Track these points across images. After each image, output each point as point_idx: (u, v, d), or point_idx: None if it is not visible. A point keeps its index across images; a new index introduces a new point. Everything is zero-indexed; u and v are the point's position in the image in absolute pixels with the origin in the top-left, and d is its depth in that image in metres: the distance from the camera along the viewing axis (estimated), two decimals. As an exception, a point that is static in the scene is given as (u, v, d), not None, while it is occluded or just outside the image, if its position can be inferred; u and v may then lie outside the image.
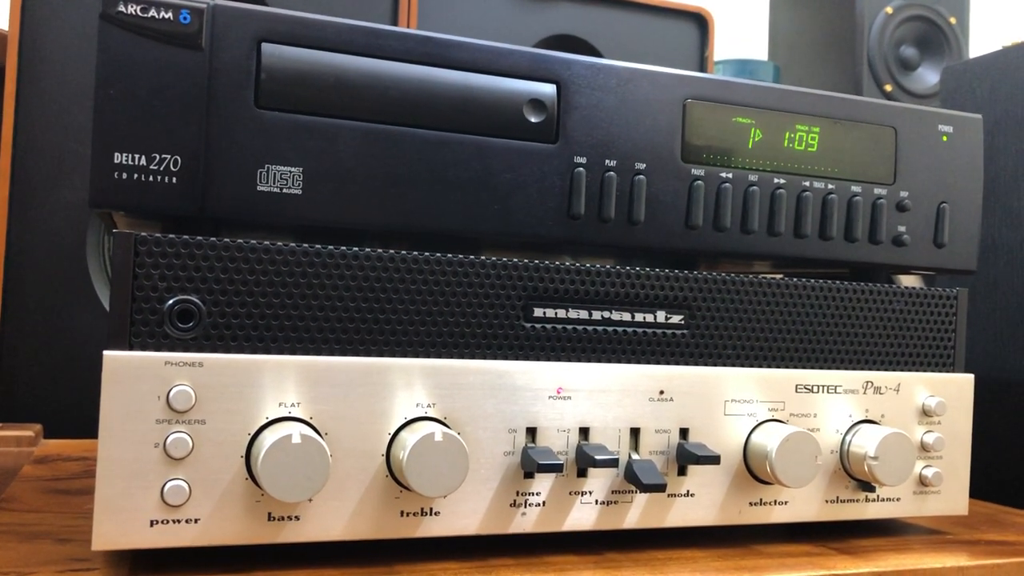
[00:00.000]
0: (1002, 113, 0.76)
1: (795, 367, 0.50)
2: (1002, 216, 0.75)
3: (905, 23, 1.26)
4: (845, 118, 0.52)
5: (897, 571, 0.46)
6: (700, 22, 1.10)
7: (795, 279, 0.50)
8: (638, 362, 0.47)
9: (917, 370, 0.53)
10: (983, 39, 1.38)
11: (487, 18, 1.02)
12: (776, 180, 0.50)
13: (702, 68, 1.09)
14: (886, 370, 0.52)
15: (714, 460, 0.45)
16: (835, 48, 1.32)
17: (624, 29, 1.08)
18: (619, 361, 0.46)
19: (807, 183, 0.50)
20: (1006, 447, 0.76)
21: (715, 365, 0.48)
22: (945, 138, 0.54)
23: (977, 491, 0.76)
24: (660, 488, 0.44)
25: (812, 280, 0.50)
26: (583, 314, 0.46)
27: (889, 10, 1.26)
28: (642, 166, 0.47)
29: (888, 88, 1.25)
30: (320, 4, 0.94)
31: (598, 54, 1.06)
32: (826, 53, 1.33)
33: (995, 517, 0.60)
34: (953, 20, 1.28)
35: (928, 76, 1.28)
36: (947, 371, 0.53)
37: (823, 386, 0.50)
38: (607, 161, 0.46)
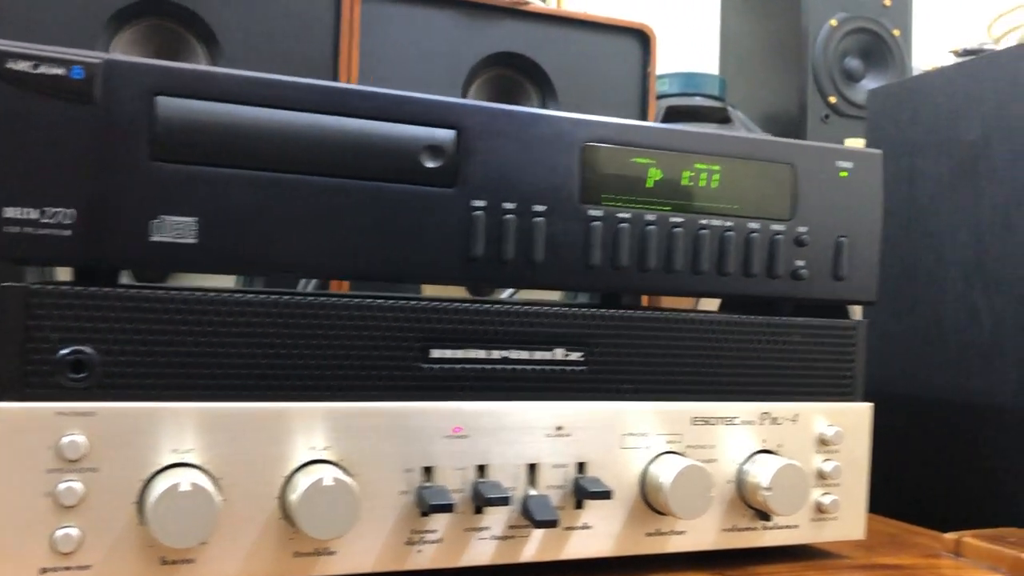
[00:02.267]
0: (922, 137, 0.78)
1: (694, 400, 0.51)
2: (921, 239, 0.77)
3: (849, 35, 1.28)
4: (744, 156, 0.53)
5: None
6: (642, 39, 1.12)
7: (690, 313, 0.51)
8: (537, 399, 0.48)
9: (817, 400, 0.54)
10: (927, 51, 1.41)
11: (429, 37, 1.02)
12: (673, 219, 0.51)
13: (644, 84, 1.11)
14: (786, 400, 0.54)
15: (605, 495, 0.47)
16: (782, 60, 1.33)
17: (568, 46, 1.09)
18: (518, 399, 0.47)
19: (704, 221, 0.52)
20: (921, 465, 0.78)
21: (613, 400, 0.50)
22: (844, 174, 0.55)
23: (890, 509, 0.78)
24: (551, 524, 0.45)
25: (709, 314, 0.52)
26: (481, 354, 0.47)
27: (834, 22, 1.27)
28: (541, 208, 0.48)
29: (832, 100, 1.27)
30: (261, 28, 0.94)
31: (542, 71, 1.07)
32: (773, 65, 1.35)
33: (899, 538, 0.62)
34: (897, 32, 1.30)
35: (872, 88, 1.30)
36: (846, 400, 0.55)
37: (720, 418, 0.51)
38: (506, 204, 0.48)
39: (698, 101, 1.25)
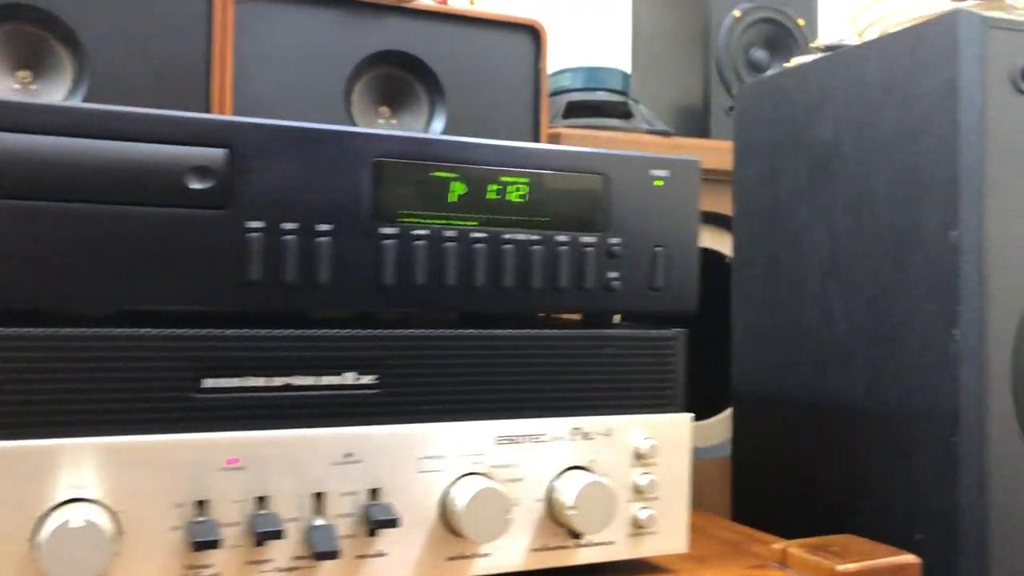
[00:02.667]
0: (783, 135, 0.77)
1: (499, 418, 0.50)
2: (783, 238, 0.77)
3: (754, 26, 1.27)
4: (553, 168, 0.52)
5: None
6: (533, 35, 1.10)
7: (491, 330, 0.50)
8: (326, 425, 0.47)
9: (634, 412, 0.54)
10: (833, 40, 1.40)
11: (309, 37, 1.00)
12: (474, 234, 0.50)
13: (536, 80, 1.09)
14: (600, 414, 0.53)
15: (391, 523, 0.46)
16: (687, 52, 1.32)
17: (457, 43, 1.07)
18: (303, 426, 0.46)
19: (508, 235, 0.51)
20: (785, 467, 0.77)
21: (411, 423, 0.48)
22: (659, 183, 0.54)
23: (745, 515, 0.78)
24: (331, 555, 0.44)
25: (512, 330, 0.51)
26: (260, 381, 0.45)
27: (737, 13, 1.26)
28: (327, 227, 0.47)
29: (736, 92, 1.26)
30: (128, 30, 0.92)
31: (430, 70, 1.05)
32: (680, 57, 1.34)
33: (740, 547, 0.61)
34: (802, 22, 1.29)
35: (781, 77, 1.29)
36: (666, 412, 0.54)
37: (526, 436, 0.50)
38: (286, 224, 0.46)
39: (600, 96, 1.23)
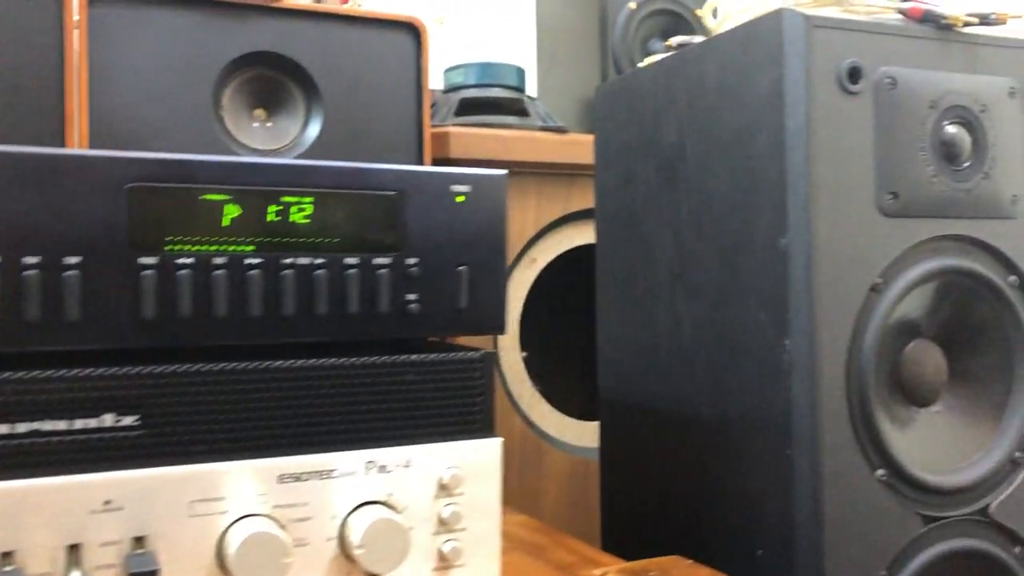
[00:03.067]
0: (635, 138, 0.75)
1: (282, 455, 0.47)
2: (637, 243, 0.75)
3: (650, 17, 1.25)
4: (340, 186, 0.49)
5: None
6: (414, 32, 1.07)
7: (269, 362, 0.47)
8: (82, 472, 0.43)
9: (438, 441, 0.51)
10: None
11: (171, 40, 0.96)
12: (248, 260, 0.47)
13: (418, 79, 1.06)
14: (399, 445, 0.50)
15: (150, 574, 0.43)
16: (588, 44, 1.30)
17: (332, 43, 1.03)
18: (53, 474, 0.43)
19: (288, 260, 0.48)
20: (640, 476, 0.76)
21: (180, 464, 0.45)
22: (461, 198, 0.52)
23: (612, 521, 0.76)
24: (76, 614, 0.41)
25: (294, 361, 0.48)
26: (3, 429, 0.42)
27: (633, 5, 1.24)
28: (74, 261, 0.44)
29: (634, 85, 1.24)
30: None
31: (304, 71, 1.01)
32: (579, 50, 1.31)
33: (570, 569, 0.59)
34: (699, 12, 1.27)
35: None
36: (474, 437, 0.52)
37: (313, 472, 0.48)
38: (27, 259, 0.43)
39: (495, 92, 1.21)
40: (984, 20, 0.62)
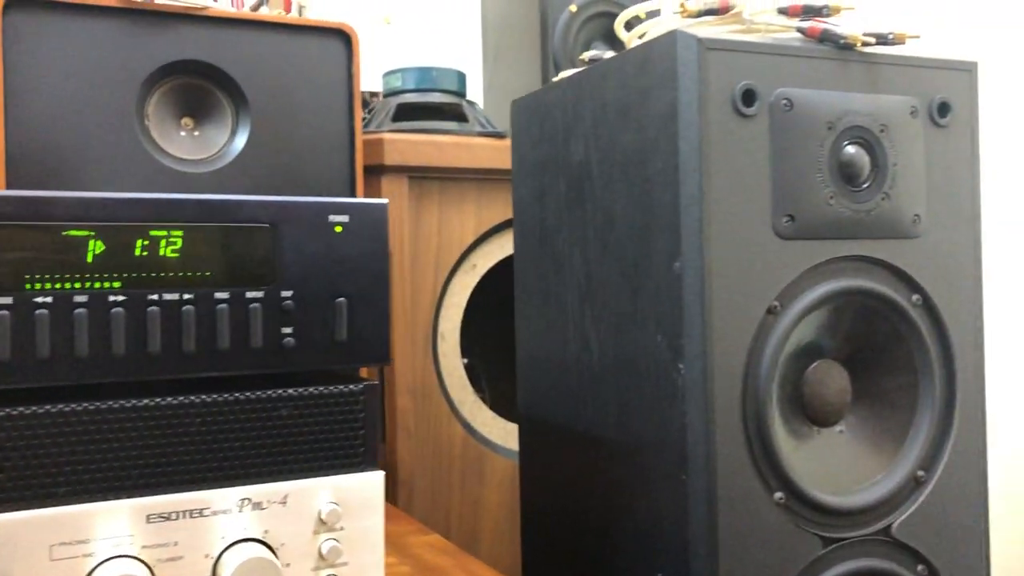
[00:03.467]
0: (547, 154, 0.74)
1: (150, 494, 0.47)
2: (550, 262, 0.74)
3: (591, 20, 1.24)
4: (211, 220, 0.49)
5: None
6: (344, 39, 1.06)
7: (133, 401, 0.47)
8: (-64, 517, 0.43)
9: (317, 475, 0.51)
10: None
11: (95, 46, 0.95)
12: (112, 297, 0.46)
13: (350, 86, 1.05)
14: (275, 481, 0.49)
15: (1, 624, 0.42)
16: (527, 48, 1.29)
17: (260, 51, 1.02)
18: (-96, 521, 0.42)
19: (154, 295, 0.47)
20: (555, 495, 0.75)
21: (40, 507, 0.45)
22: (339, 228, 0.51)
23: (531, 536, 0.75)
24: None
25: (160, 399, 0.47)
26: None
27: (573, 8, 1.23)
28: (-76, 303, 0.43)
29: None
30: None
31: (231, 79, 1.00)
32: (521, 54, 1.30)
33: (466, 595, 0.59)
34: (643, 16, 1.26)
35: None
36: (355, 471, 0.51)
37: (183, 511, 0.47)
38: None
39: (434, 97, 1.20)
40: (882, 40, 0.61)
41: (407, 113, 1.17)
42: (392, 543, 0.69)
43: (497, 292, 1.19)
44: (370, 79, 1.41)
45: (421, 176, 1.10)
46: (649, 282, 0.61)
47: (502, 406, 1.20)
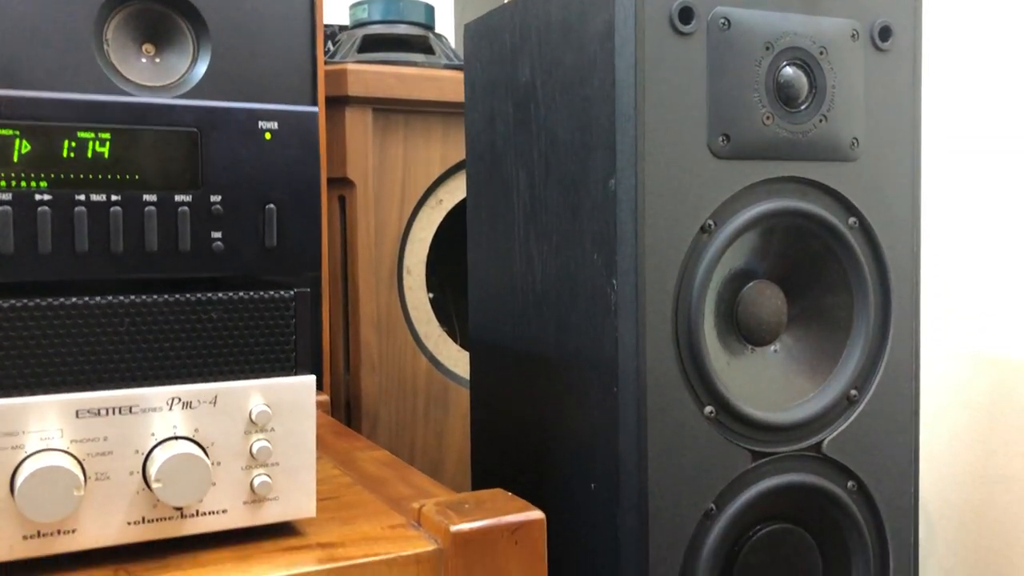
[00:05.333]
0: (496, 75, 0.74)
1: (81, 390, 0.48)
2: (498, 185, 0.75)
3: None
4: (139, 122, 0.49)
5: None
6: (306, -33, 1.05)
7: (63, 300, 0.47)
8: None
9: (251, 377, 0.52)
10: None
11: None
12: (39, 196, 0.47)
13: (312, 14, 1.04)
14: (206, 381, 0.51)
15: (-72, 508, 0.44)
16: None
17: (222, -23, 1.01)
18: None
19: (81, 196, 0.48)
20: (500, 416, 0.77)
21: (-30, 400, 0.46)
22: (268, 135, 0.52)
23: (480, 458, 0.77)
24: None
25: (93, 298, 0.48)
26: None
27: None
28: None
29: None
30: None
31: (192, 6, 0.99)
32: (492, -13, 1.29)
33: (402, 503, 0.60)
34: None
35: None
36: (286, 375, 0.53)
37: (112, 408, 0.48)
38: None
39: (400, 29, 1.19)
40: (823, -40, 0.61)
41: (373, 45, 1.17)
42: (339, 457, 0.70)
43: (463, 228, 1.20)
44: (338, 12, 1.40)
45: (386, 109, 1.10)
46: (587, 200, 0.62)
47: (466, 340, 1.21)
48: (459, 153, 1.15)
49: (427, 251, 1.16)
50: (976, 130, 1.11)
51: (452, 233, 1.17)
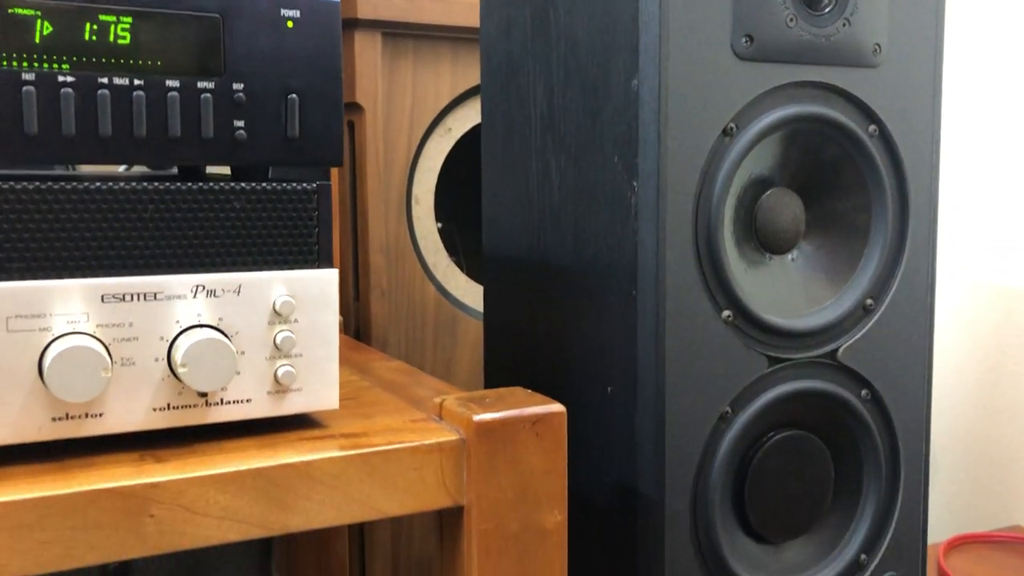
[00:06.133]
0: (515, -15, 0.73)
1: (107, 275, 0.48)
2: (515, 93, 0.74)
3: None
4: (160, 6, 0.48)
5: (240, 471, 0.47)
6: None
7: (84, 183, 0.47)
8: None
9: (274, 269, 0.52)
10: None
11: None
12: (62, 78, 0.46)
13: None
14: (230, 271, 0.51)
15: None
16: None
17: None
18: None
19: (105, 79, 0.47)
20: (514, 329, 0.77)
21: (-3, 281, 0.46)
22: (290, 24, 0.51)
23: (493, 374, 0.77)
24: None
25: (117, 183, 0.48)
26: None
27: None
28: None
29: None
30: None
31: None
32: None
33: (423, 402, 0.61)
34: None
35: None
36: (308, 268, 0.53)
37: (138, 294, 0.48)
38: None
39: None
40: None
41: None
42: (355, 367, 0.71)
43: (473, 157, 1.19)
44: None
45: (395, 33, 1.08)
46: (608, 104, 0.62)
47: (476, 271, 1.21)
48: (468, 81, 1.14)
49: (436, 181, 1.16)
50: (998, 53, 1.10)
51: (461, 164, 1.17)
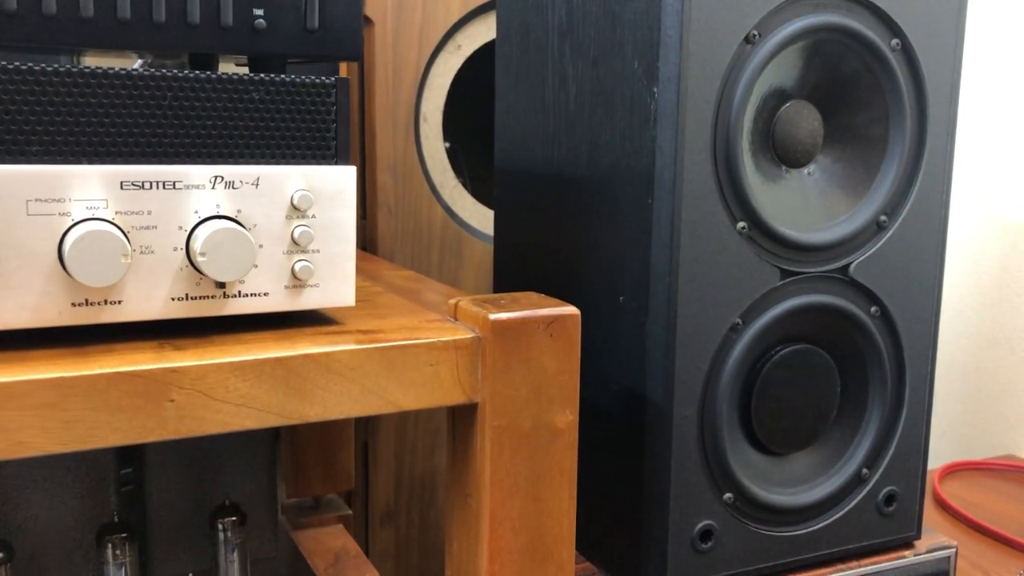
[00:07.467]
0: None
1: (126, 163, 0.48)
2: (531, 6, 0.73)
3: None
4: None
5: (258, 360, 0.47)
6: None
7: (104, 68, 0.47)
8: (-89, 163, 0.44)
9: (289, 163, 0.51)
10: None
11: None
12: (79, -42, 0.45)
13: None
14: (248, 163, 0.50)
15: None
16: None
17: None
18: None
19: (122, -39, 0.46)
20: (526, 241, 0.77)
21: (17, 163, 0.45)
22: (312, -90, 0.50)
23: (502, 287, 0.77)
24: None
25: (136, 70, 0.47)
26: None
27: None
28: None
29: None
30: None
31: None
32: None
33: (436, 306, 0.61)
34: None
35: None
36: (326, 163, 0.52)
37: (157, 182, 0.48)
38: None
39: None
40: None
41: None
42: (367, 274, 0.71)
43: (483, 76, 1.18)
44: None
45: (406, -57, 1.06)
46: (629, 8, 0.61)
47: (483, 194, 1.21)
48: (479, -4, 1.12)
49: (444, 99, 1.14)
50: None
51: (470, 82, 1.15)
